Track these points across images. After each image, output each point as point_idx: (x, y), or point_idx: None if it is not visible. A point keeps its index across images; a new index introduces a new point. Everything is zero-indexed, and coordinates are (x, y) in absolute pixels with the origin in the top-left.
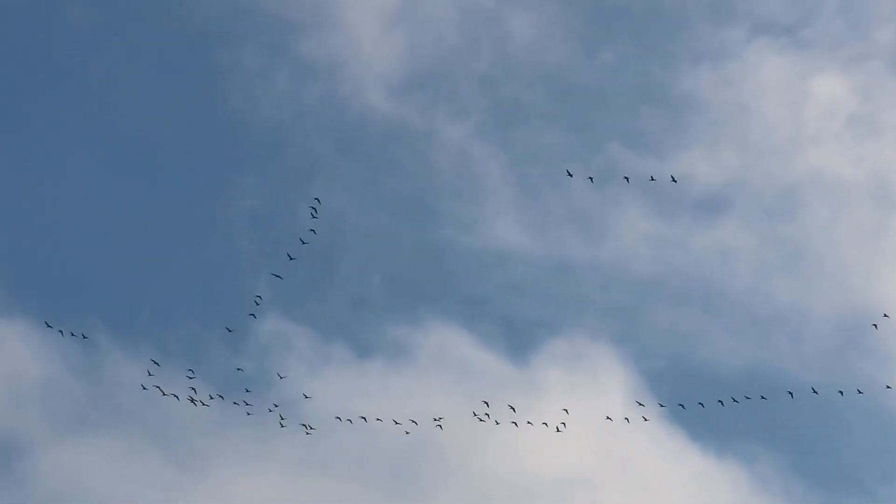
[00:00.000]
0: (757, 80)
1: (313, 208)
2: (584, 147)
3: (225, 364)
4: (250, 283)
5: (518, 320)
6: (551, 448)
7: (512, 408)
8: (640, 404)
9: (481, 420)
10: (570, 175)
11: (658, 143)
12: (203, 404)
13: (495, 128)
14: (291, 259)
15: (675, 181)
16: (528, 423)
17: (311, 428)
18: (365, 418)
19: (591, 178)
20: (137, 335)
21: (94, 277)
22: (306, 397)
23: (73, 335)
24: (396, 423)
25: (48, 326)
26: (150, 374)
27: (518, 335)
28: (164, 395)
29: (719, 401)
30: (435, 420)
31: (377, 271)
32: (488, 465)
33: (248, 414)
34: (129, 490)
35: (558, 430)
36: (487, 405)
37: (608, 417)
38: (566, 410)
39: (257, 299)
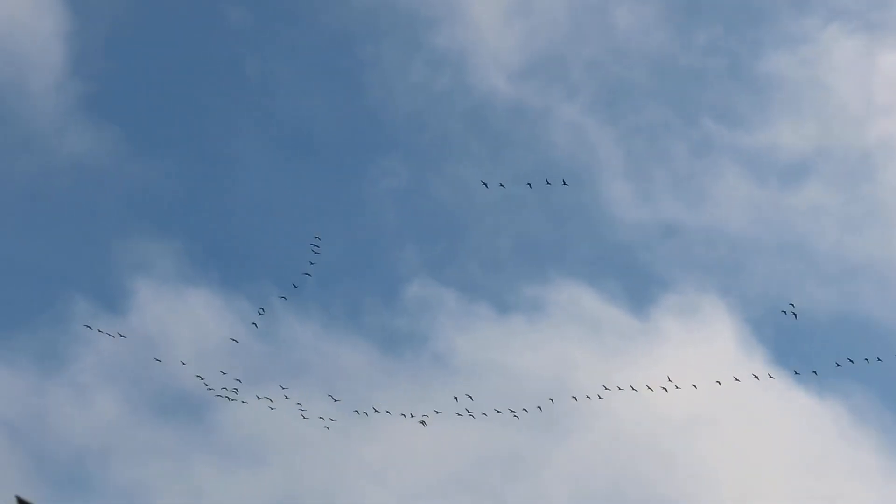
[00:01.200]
0: (831, 60)
1: (314, 245)
2: (681, 121)
3: (384, 323)
4: (397, 252)
5: (635, 277)
6: (675, 392)
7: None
8: (771, 377)
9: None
10: (485, 185)
11: (746, 117)
12: None
13: (604, 106)
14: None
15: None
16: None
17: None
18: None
19: (501, 185)
20: (306, 299)
21: (267, 249)
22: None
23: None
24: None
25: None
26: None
27: (636, 291)
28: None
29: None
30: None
31: (508, 236)
32: (617, 408)
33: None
34: (304, 436)
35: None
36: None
37: (735, 378)
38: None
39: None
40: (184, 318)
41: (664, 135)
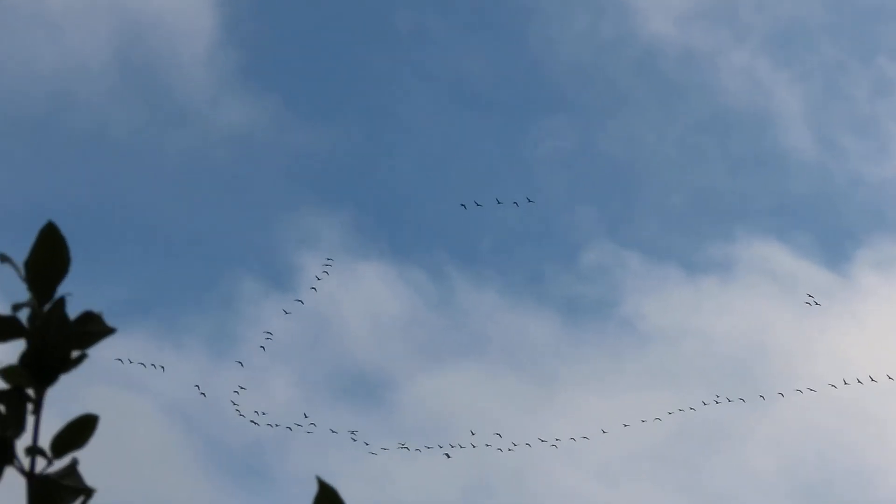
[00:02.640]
0: None
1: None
2: (859, 61)
3: (565, 290)
4: (570, 216)
5: (826, 230)
6: (877, 352)
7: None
8: None
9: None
10: (500, 202)
11: None
12: None
13: (776, 47)
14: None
15: None
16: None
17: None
18: None
19: (520, 202)
20: (481, 266)
21: (437, 216)
22: None
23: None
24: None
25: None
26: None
27: (830, 245)
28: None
29: None
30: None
31: (686, 192)
32: (819, 359)
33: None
34: (491, 411)
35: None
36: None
37: None
38: None
39: None
40: (356, 293)
41: (841, 76)
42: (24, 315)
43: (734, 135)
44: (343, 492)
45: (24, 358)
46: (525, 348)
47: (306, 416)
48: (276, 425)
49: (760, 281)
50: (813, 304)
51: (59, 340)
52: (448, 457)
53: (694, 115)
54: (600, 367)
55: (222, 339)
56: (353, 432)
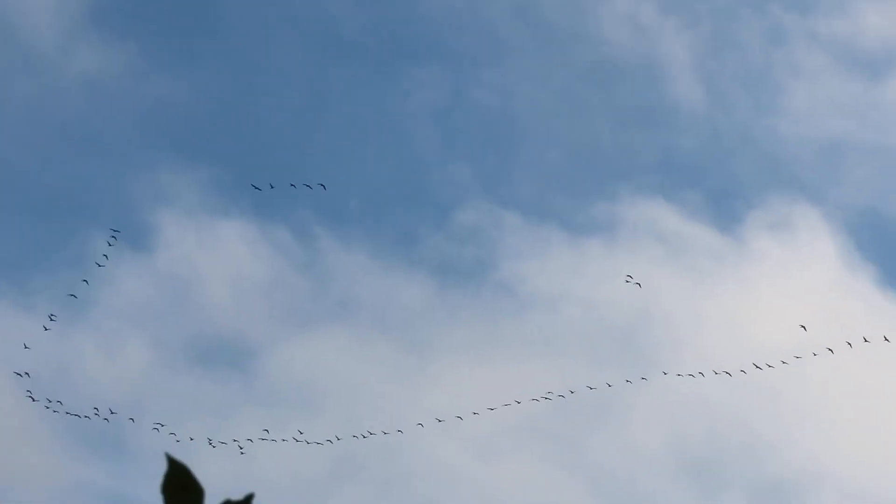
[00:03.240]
0: None
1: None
2: (750, 8)
3: (439, 251)
4: (444, 173)
5: (716, 189)
6: (771, 318)
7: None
8: None
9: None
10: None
11: (821, 1)
12: None
13: None
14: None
15: None
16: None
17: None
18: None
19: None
20: (350, 225)
21: (303, 171)
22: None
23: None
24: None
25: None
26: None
27: (719, 205)
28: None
29: None
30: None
31: (566, 147)
32: (709, 332)
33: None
34: (361, 380)
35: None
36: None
37: (848, 343)
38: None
39: None
40: (216, 254)
41: (733, 23)
42: None
43: (618, 86)
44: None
45: None
46: (397, 313)
47: (164, 386)
48: (133, 394)
49: (647, 243)
50: (633, 283)
51: None
52: (312, 427)
53: (575, 65)
54: (477, 334)
55: (71, 303)
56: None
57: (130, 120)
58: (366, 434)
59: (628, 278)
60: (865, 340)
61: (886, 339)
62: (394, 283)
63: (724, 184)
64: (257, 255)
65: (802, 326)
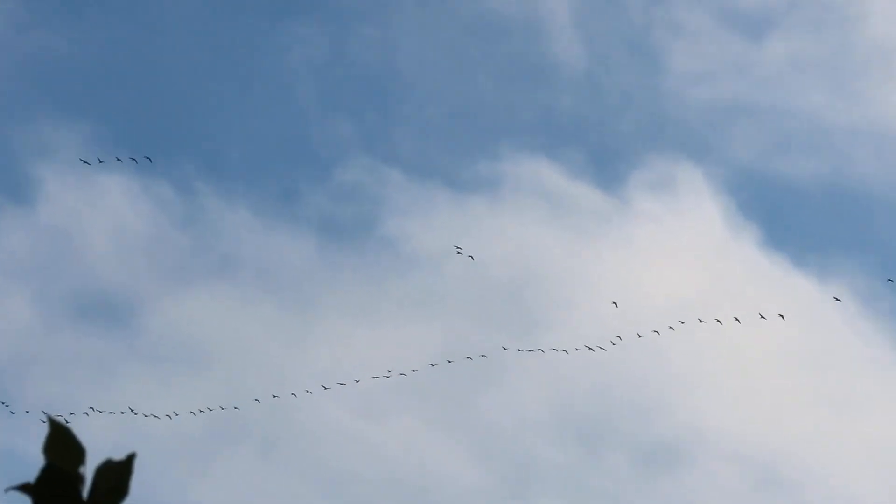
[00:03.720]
0: None
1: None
2: None
3: (321, 208)
4: (325, 130)
5: (598, 148)
6: (657, 279)
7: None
8: (838, 299)
9: None
10: None
11: None
12: None
13: None
14: None
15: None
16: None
17: None
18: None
19: None
20: (232, 181)
21: (186, 127)
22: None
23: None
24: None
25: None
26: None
27: (602, 164)
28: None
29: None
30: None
31: (448, 104)
32: (596, 295)
33: None
34: (244, 338)
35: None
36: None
37: (761, 316)
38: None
39: None
40: (98, 208)
41: None
42: None
43: (500, 42)
44: None
45: None
46: (281, 271)
47: (45, 341)
48: (12, 350)
49: (531, 202)
50: (466, 256)
51: None
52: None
53: (457, 21)
54: (362, 294)
55: None
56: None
57: (11, 72)
58: (253, 400)
59: (458, 250)
60: (762, 317)
61: (781, 317)
62: (277, 241)
63: (607, 143)
64: (139, 210)
65: (614, 303)
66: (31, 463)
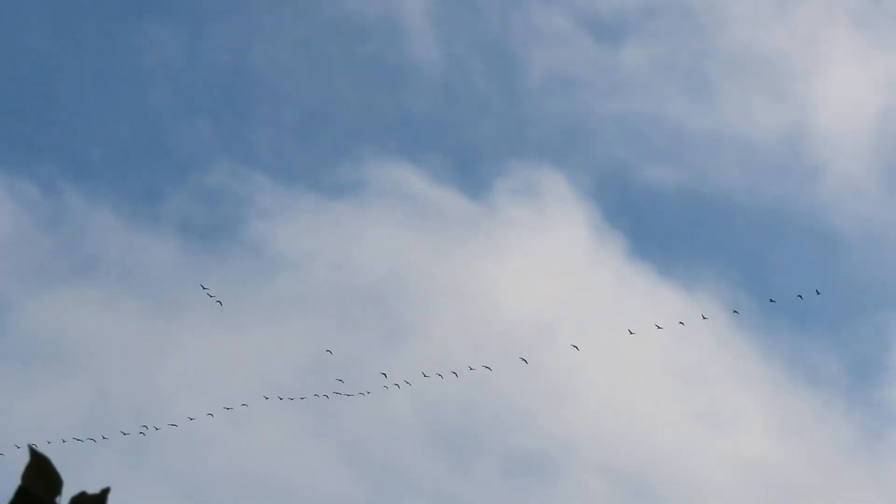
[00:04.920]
0: None
1: None
2: None
3: (184, 211)
4: (185, 133)
5: (459, 153)
6: (524, 286)
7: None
8: (705, 317)
9: None
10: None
11: None
12: None
13: None
14: None
15: None
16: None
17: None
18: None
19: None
20: (96, 182)
21: (49, 128)
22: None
23: None
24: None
25: None
26: None
27: (465, 169)
28: None
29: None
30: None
31: (308, 107)
32: (460, 305)
33: None
34: (112, 338)
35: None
36: None
37: (630, 331)
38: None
39: None
40: None
41: None
42: None
43: (357, 44)
44: None
45: None
46: (145, 273)
47: None
48: None
49: (394, 206)
50: (214, 298)
51: None
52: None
53: (313, 21)
54: (226, 296)
55: None
56: None
57: None
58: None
59: (207, 291)
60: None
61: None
62: (140, 242)
63: (469, 147)
64: (3, 209)
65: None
66: None
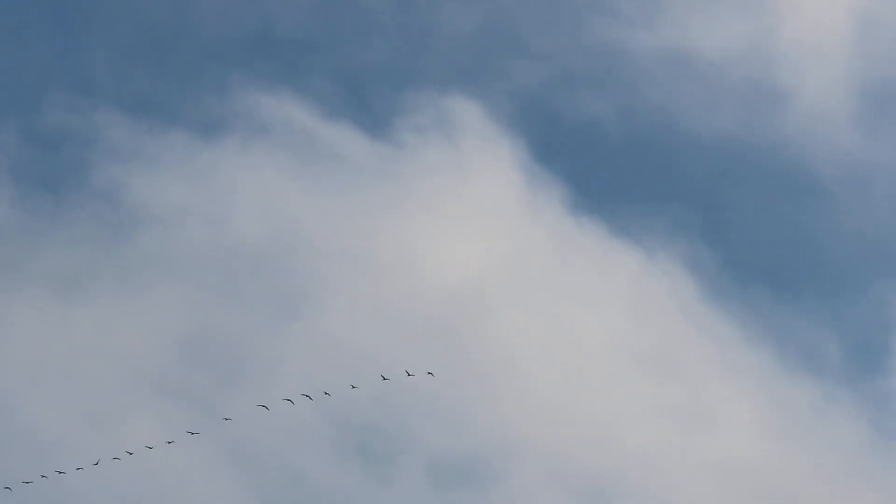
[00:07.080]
0: None
1: None
2: None
3: (22, 153)
4: (22, 65)
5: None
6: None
7: None
8: None
9: None
10: None
11: None
12: None
13: None
14: None
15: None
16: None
17: None
18: None
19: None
20: None
21: None
22: None
23: None
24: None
25: None
26: None
27: (357, 98)
28: None
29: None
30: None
31: (148, 23)
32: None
33: None
34: None
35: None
36: None
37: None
38: None
39: None
40: None
41: None
42: None
43: None
44: None
45: None
46: None
47: None
48: None
49: (280, 147)
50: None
51: None
52: None
53: None
54: (73, 258)
55: None
56: None
57: None
58: None
59: None
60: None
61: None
62: None
63: (358, 74)
64: None
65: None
66: None
